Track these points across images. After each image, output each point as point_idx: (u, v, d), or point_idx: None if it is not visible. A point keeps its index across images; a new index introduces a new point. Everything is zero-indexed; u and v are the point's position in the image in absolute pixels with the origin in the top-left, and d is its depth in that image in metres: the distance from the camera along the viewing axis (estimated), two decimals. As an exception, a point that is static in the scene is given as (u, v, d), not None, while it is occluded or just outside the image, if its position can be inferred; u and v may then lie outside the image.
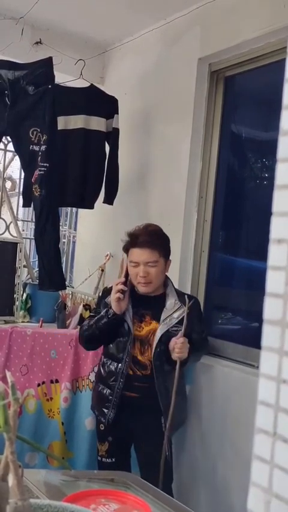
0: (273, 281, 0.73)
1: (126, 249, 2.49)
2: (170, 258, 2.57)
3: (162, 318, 2.47)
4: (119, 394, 2.48)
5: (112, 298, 2.44)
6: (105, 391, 2.53)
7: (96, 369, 2.79)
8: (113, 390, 2.49)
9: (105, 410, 2.51)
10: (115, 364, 2.51)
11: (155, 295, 2.52)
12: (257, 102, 3.20)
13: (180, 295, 2.55)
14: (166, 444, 2.40)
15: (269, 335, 0.73)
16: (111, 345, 2.55)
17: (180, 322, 2.42)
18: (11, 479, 0.88)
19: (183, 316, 2.38)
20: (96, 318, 2.53)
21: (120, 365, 2.48)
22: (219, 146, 3.11)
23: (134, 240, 2.45)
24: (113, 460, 2.55)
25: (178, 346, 2.35)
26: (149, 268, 2.43)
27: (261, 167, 3.25)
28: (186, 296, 2.45)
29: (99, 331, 2.50)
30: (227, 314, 3.24)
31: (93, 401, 2.69)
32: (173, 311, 2.47)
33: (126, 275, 2.48)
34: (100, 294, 2.75)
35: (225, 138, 3.14)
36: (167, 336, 2.43)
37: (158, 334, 2.44)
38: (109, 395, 2.50)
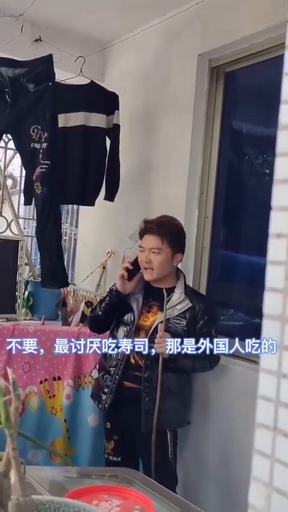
0: (272, 276, 0.73)
1: (141, 236, 2.57)
2: None
3: (165, 307, 2.49)
4: (117, 381, 2.50)
5: (117, 276, 2.53)
6: (105, 377, 2.57)
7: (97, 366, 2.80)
8: (112, 376, 2.52)
9: (103, 396, 2.55)
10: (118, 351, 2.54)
11: (165, 287, 2.52)
12: (258, 98, 3.20)
13: (190, 291, 2.59)
14: (154, 442, 2.40)
15: (269, 329, 0.73)
16: (116, 334, 2.57)
17: (182, 315, 2.44)
18: (12, 476, 0.88)
19: (186, 310, 2.47)
20: (101, 298, 2.64)
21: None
22: (220, 142, 3.11)
23: (146, 226, 2.53)
24: (119, 458, 2.57)
25: (156, 340, 2.37)
26: (152, 255, 2.48)
27: (262, 163, 3.25)
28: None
29: (102, 311, 2.58)
30: (229, 310, 3.24)
31: (93, 388, 2.74)
32: (177, 303, 2.49)
33: (136, 258, 2.54)
34: None
35: (226, 134, 3.13)
36: (166, 326, 2.45)
37: (157, 321, 2.47)
38: (108, 381, 2.54)
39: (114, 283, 2.57)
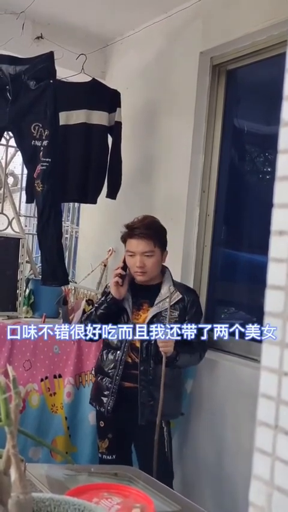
0: (274, 273, 0.73)
1: (124, 240, 2.56)
2: (171, 250, 2.61)
3: (156, 302, 2.51)
4: (117, 382, 2.50)
5: (111, 283, 2.52)
6: (104, 380, 2.56)
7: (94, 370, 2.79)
8: (112, 378, 2.51)
9: (104, 399, 2.53)
10: (114, 353, 2.54)
11: (152, 284, 2.55)
12: (259, 95, 3.19)
13: (178, 284, 2.60)
14: (158, 435, 2.40)
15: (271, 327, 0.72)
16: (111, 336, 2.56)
17: (173, 307, 2.45)
18: (13, 473, 0.88)
19: (176, 301, 2.48)
20: (96, 306, 2.60)
21: (119, 352, 2.52)
22: (221, 140, 3.11)
23: (131, 231, 2.52)
24: (114, 456, 2.57)
25: (161, 339, 2.36)
26: (145, 259, 2.48)
27: (264, 161, 3.25)
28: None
29: (98, 319, 2.55)
30: (230, 309, 3.24)
31: (92, 393, 2.70)
32: (167, 296, 2.50)
33: (125, 262, 2.54)
34: (103, 290, 2.78)
35: (227, 132, 3.13)
36: (159, 319, 2.46)
37: (149, 315, 2.48)
38: (108, 384, 2.53)
39: (109, 293, 2.54)
